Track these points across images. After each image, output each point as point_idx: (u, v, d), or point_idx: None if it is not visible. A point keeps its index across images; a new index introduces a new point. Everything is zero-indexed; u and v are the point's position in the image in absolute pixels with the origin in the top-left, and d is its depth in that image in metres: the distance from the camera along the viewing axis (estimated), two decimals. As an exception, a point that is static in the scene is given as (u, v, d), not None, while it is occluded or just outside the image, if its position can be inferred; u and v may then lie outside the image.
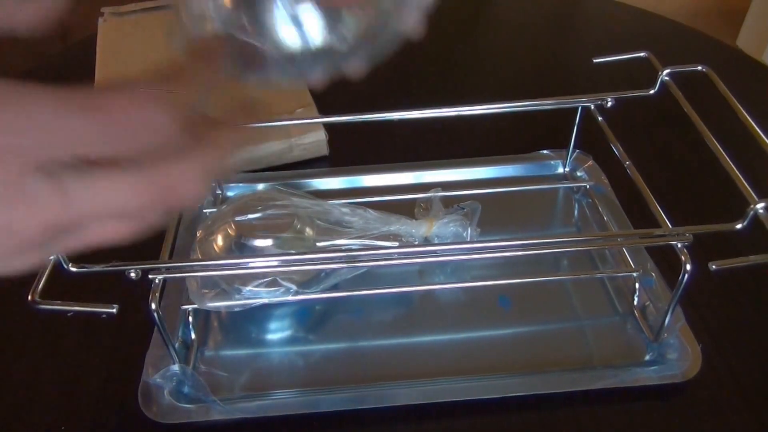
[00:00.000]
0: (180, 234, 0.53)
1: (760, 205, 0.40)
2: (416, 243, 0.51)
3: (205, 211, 0.55)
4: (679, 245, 0.41)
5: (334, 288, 0.49)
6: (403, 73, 0.81)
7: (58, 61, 0.89)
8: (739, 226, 0.41)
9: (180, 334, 0.47)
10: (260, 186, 0.60)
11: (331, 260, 0.46)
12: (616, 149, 0.50)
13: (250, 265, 0.43)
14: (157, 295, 0.39)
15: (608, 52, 0.54)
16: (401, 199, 0.55)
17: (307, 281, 0.47)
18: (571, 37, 0.91)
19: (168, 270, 0.40)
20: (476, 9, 0.99)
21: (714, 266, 0.38)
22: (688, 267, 0.40)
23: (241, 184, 0.60)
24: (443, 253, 0.49)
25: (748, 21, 2.15)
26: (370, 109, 0.51)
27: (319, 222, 0.50)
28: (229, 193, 0.59)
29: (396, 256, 0.48)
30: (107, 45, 0.78)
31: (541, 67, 0.83)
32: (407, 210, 0.51)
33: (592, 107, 0.53)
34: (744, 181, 0.42)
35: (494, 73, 0.81)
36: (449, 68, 0.82)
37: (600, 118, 0.53)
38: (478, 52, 0.87)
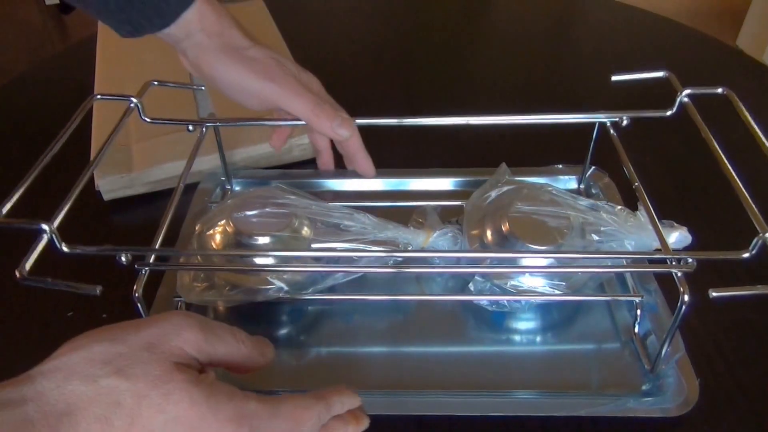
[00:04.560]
0: (185, 225, 0.54)
1: (768, 235, 0.38)
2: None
3: (210, 204, 0.56)
4: (679, 274, 0.39)
5: (329, 291, 0.48)
6: (406, 79, 0.80)
7: (58, 61, 0.89)
8: (745, 255, 0.38)
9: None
10: (269, 183, 0.60)
11: (326, 263, 0.46)
12: (627, 170, 0.48)
13: (243, 260, 0.43)
14: (143, 284, 0.39)
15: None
16: (400, 206, 0.55)
17: (301, 282, 0.47)
18: (574, 40, 0.89)
19: (157, 258, 0.40)
20: (480, 15, 0.97)
21: (714, 293, 0.36)
22: (686, 298, 0.38)
23: (250, 180, 0.60)
24: (443, 262, 0.48)
25: (748, 21, 2.14)
26: (373, 113, 0.51)
27: (317, 223, 0.49)
28: (237, 188, 0.60)
29: (392, 262, 0.47)
30: (107, 45, 0.79)
31: (547, 69, 0.81)
32: (406, 217, 0.50)
33: (608, 123, 0.51)
34: (755, 209, 0.40)
35: (499, 81, 0.79)
36: (454, 72, 0.82)
37: (613, 133, 0.51)
38: (483, 58, 0.86)
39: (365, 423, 0.37)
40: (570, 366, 0.46)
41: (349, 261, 0.48)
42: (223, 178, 0.59)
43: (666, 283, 0.48)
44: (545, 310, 0.50)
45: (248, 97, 0.50)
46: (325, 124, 0.49)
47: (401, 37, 0.92)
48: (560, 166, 0.60)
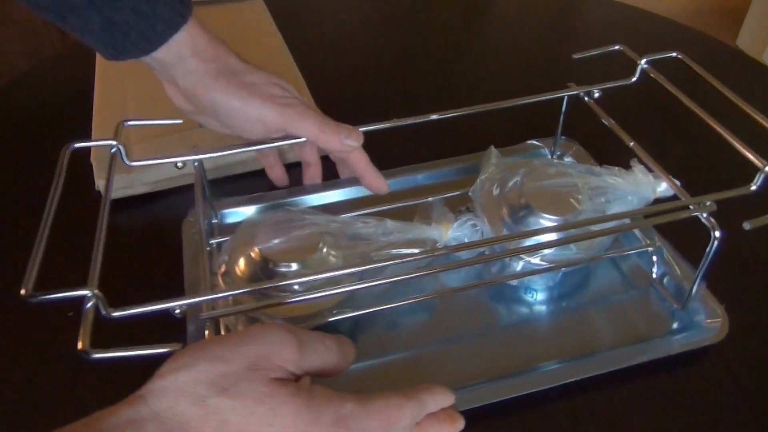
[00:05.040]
0: (188, 267, 0.50)
1: (769, 167, 0.43)
2: (439, 247, 0.50)
3: (212, 242, 0.52)
4: (705, 215, 0.43)
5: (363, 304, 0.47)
6: (405, 78, 0.80)
7: (58, 61, 0.85)
8: (753, 188, 0.44)
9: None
10: (250, 209, 0.57)
11: (371, 275, 0.45)
12: (614, 128, 0.52)
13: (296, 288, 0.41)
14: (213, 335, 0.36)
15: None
16: (402, 206, 0.56)
17: (342, 300, 0.45)
18: (574, 40, 0.93)
19: (216, 302, 0.37)
20: (480, 16, 0.99)
21: (748, 226, 0.40)
22: (717, 234, 0.42)
23: (235, 210, 0.57)
24: (472, 253, 0.49)
25: (748, 21, 2.19)
26: (375, 113, 0.50)
27: (339, 238, 0.48)
28: (228, 220, 0.56)
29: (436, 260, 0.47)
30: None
31: (546, 69, 0.84)
32: (406, 216, 0.51)
33: (581, 94, 0.55)
34: (748, 147, 0.45)
35: (499, 80, 0.81)
36: (453, 72, 0.83)
37: (590, 101, 0.55)
38: (482, 58, 0.87)
39: (460, 423, 0.37)
40: (601, 324, 0.49)
41: (380, 270, 0.47)
42: (210, 211, 0.55)
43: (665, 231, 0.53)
44: (565, 277, 0.52)
45: (250, 125, 0.48)
46: (333, 139, 0.48)
47: (401, 37, 0.91)
48: (533, 141, 0.63)
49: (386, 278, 0.42)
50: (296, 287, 0.43)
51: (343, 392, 0.31)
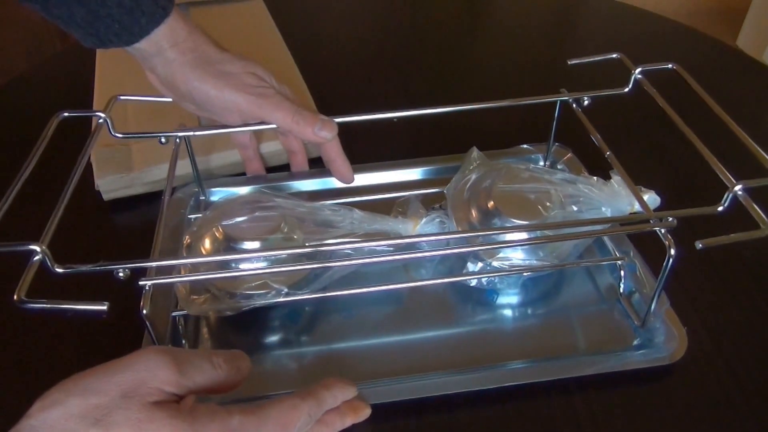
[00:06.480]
0: (164, 241, 0.53)
1: (738, 187, 0.41)
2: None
3: (189, 216, 0.55)
4: (663, 231, 0.42)
5: (323, 290, 0.49)
6: (405, 77, 0.81)
7: (58, 61, 0.88)
8: (720, 208, 0.42)
9: (170, 342, 0.46)
10: (243, 189, 0.59)
11: (325, 259, 0.46)
12: (595, 139, 0.51)
13: (245, 264, 0.42)
14: (149, 300, 0.38)
15: (604, 53, 0.55)
16: (380, 198, 0.57)
17: (297, 282, 0.47)
18: (575, 40, 0.92)
19: (158, 271, 0.39)
20: (480, 14, 0.99)
21: (700, 245, 0.39)
22: (672, 252, 0.41)
23: (224, 189, 0.59)
24: (432, 246, 0.49)
25: (748, 21, 2.16)
26: (364, 109, 0.52)
27: (306, 223, 0.50)
28: (213, 198, 0.59)
29: (390, 250, 0.48)
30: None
31: (545, 68, 0.83)
32: (386, 209, 0.51)
33: (570, 100, 0.54)
34: (721, 166, 0.43)
35: (499, 80, 0.81)
36: (454, 72, 0.83)
37: (578, 108, 0.54)
38: (482, 57, 0.87)
39: (365, 412, 0.38)
40: (563, 332, 0.48)
41: (346, 255, 0.48)
42: (197, 189, 0.58)
43: (641, 244, 0.51)
44: (533, 283, 0.52)
45: (227, 113, 0.50)
46: (307, 130, 0.50)
47: (400, 36, 0.92)
48: (525, 146, 0.62)
49: (334, 261, 0.43)
50: (252, 266, 0.45)
51: (230, 405, 0.31)
